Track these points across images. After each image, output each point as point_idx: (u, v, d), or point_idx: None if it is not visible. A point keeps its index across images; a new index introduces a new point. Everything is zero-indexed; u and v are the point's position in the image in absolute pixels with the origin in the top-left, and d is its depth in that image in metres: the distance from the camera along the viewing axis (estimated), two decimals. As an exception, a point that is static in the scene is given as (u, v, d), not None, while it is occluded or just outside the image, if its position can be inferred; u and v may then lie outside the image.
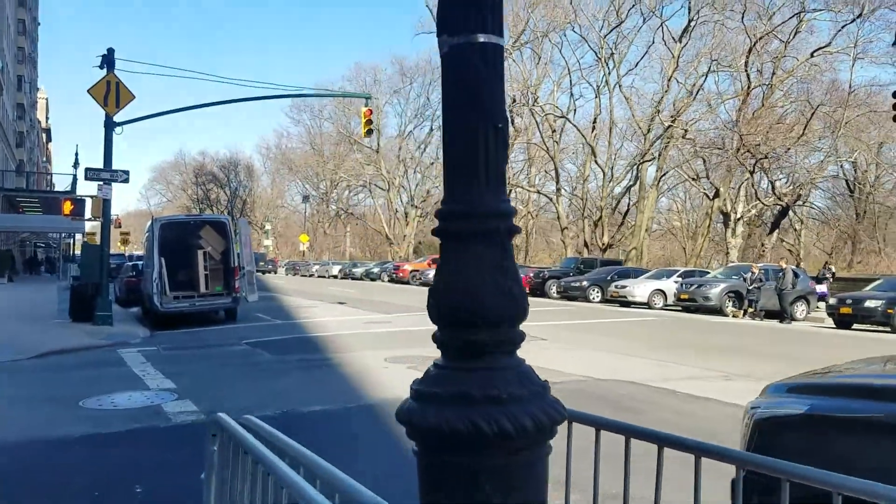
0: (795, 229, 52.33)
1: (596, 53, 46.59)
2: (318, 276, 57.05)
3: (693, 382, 9.82)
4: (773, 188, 40.00)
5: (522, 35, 50.93)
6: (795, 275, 21.39)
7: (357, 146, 70.10)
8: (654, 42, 46.65)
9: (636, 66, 49.00)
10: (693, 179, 50.10)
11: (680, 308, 24.86)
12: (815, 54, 41.29)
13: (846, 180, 48.87)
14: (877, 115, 36.53)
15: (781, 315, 20.88)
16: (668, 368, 11.02)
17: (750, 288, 22.25)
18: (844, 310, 18.41)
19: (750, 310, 22.10)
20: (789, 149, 36.37)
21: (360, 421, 7.66)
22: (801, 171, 39.49)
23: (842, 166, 45.42)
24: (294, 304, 25.04)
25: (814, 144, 37.95)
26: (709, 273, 27.20)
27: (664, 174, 48.94)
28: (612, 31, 46.83)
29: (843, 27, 40.38)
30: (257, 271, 24.18)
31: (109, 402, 8.63)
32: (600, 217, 49.62)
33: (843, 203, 52.76)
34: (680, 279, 25.77)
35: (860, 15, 39.16)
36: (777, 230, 42.27)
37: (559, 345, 13.82)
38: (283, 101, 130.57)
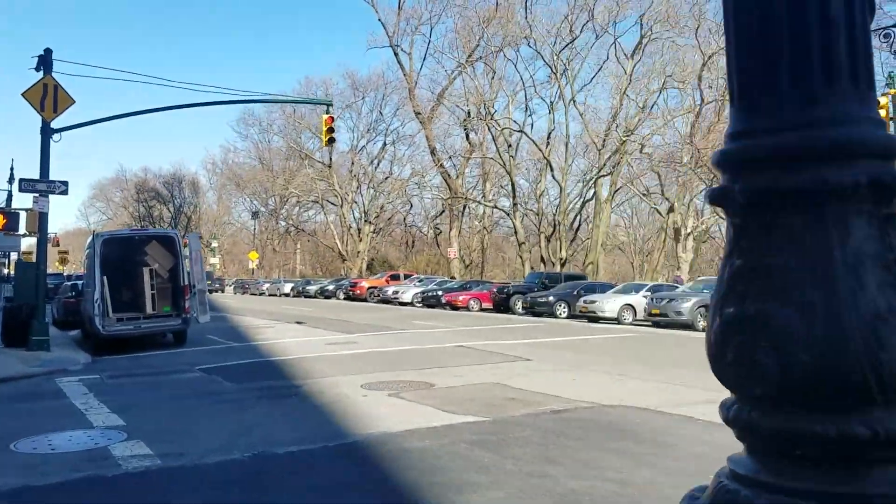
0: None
1: (552, 68, 46.27)
2: (269, 295, 55.29)
3: (708, 408, 8.94)
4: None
5: (476, 50, 50.44)
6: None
7: (308, 161, 68.60)
8: (608, 58, 46.70)
9: (591, 81, 48.94)
10: (643, 195, 50.42)
11: (650, 323, 24.30)
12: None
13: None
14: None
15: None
16: (675, 392, 10.15)
17: (722, 301, 21.78)
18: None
19: (723, 324, 21.60)
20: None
21: (347, 465, 6.54)
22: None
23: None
24: (248, 324, 23.63)
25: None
26: (677, 287, 26.72)
27: (617, 189, 48.99)
28: (565, 47, 46.65)
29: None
30: (205, 290, 22.82)
31: (46, 443, 7.34)
32: (553, 231, 49.31)
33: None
34: (649, 294, 25.20)
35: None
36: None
37: (549, 365, 12.87)
38: (229, 115, 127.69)
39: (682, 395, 9.80)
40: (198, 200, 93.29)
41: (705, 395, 9.88)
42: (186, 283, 17.28)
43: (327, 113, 19.88)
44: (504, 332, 20.40)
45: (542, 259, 48.22)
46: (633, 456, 6.58)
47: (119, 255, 17.22)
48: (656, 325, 23.55)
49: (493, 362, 13.25)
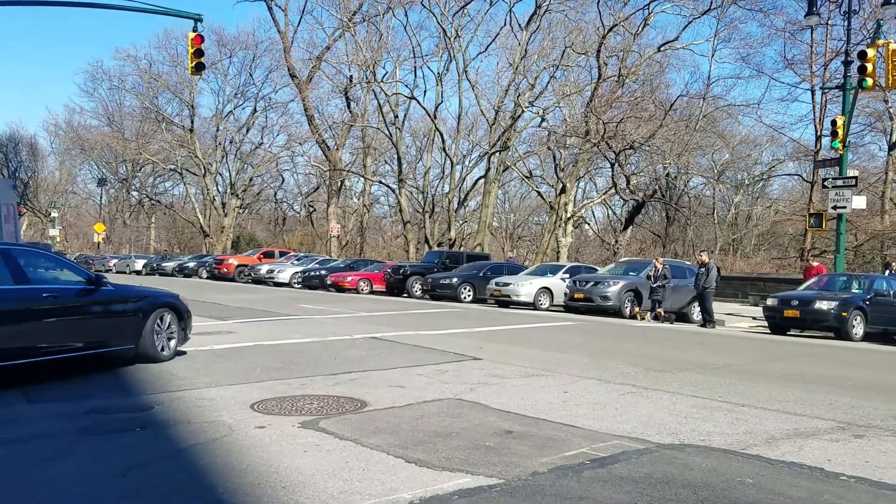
0: (615, 229, 51.81)
1: (445, 31, 42.62)
2: (118, 272, 48.71)
3: (823, 446, 5.75)
4: (629, 183, 38.36)
5: (360, 9, 46.00)
6: (719, 272, 18.55)
7: (166, 125, 61.61)
8: (505, 24, 43.77)
9: (486, 49, 45.82)
10: (526, 177, 48.32)
11: (563, 308, 21.49)
12: (662, 49, 40.68)
13: (658, 180, 48.41)
14: (733, 109, 35.85)
15: (703, 318, 17.87)
16: (733, 416, 6.86)
17: (654, 286, 19.17)
18: (790, 312, 15.56)
19: (659, 310, 18.98)
20: (652, 135, 34.52)
21: None
22: (659, 164, 38.14)
23: (656, 167, 44.83)
24: (84, 305, 18.61)
25: (672, 137, 36.57)
26: (596, 269, 24.07)
27: (506, 168, 46.49)
28: (459, 10, 43.23)
29: (689, 22, 40.33)
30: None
31: None
32: (433, 209, 46.15)
33: (655, 204, 52.37)
34: (567, 276, 22.36)
35: (707, 10, 38.83)
36: (631, 226, 40.89)
37: (512, 368, 9.31)
38: (75, 71, 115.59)
39: (749, 422, 6.57)
40: (37, 165, 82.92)
41: (777, 420, 6.68)
42: (-9, 248, 12.42)
43: (195, 31, 15.34)
44: (417, 319, 16.78)
45: (427, 239, 44.85)
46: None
47: None
48: (576, 310, 20.68)
49: (434, 363, 9.60)
